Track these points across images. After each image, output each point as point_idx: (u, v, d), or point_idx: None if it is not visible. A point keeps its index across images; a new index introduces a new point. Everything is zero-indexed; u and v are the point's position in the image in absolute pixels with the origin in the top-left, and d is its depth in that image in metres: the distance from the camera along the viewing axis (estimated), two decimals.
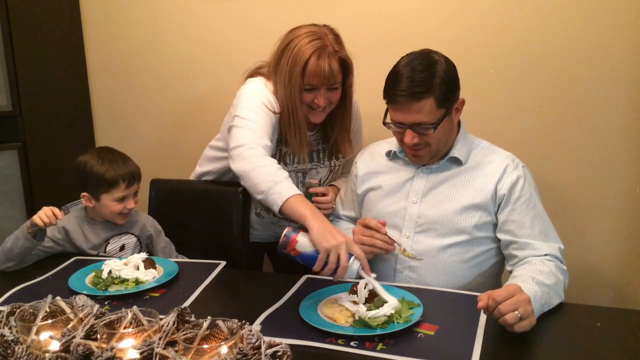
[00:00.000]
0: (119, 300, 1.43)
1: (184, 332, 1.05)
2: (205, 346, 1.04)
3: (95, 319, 1.12)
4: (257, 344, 1.00)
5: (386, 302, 1.25)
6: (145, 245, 1.85)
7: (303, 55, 1.61)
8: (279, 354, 1.00)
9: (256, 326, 1.05)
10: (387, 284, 1.46)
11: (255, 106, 1.66)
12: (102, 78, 2.62)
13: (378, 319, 1.22)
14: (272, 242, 1.95)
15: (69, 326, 1.11)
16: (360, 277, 1.31)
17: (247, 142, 1.58)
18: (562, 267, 1.42)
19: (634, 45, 1.87)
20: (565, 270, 1.42)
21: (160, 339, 1.03)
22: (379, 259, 1.57)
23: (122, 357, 1.02)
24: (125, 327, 1.09)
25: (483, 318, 1.24)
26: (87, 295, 1.26)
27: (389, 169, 1.64)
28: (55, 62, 2.46)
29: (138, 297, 1.45)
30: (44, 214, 1.62)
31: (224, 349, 1.02)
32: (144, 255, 1.60)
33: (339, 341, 1.19)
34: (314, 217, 1.34)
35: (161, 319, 1.11)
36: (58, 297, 1.20)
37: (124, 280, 1.51)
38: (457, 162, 1.55)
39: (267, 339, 1.03)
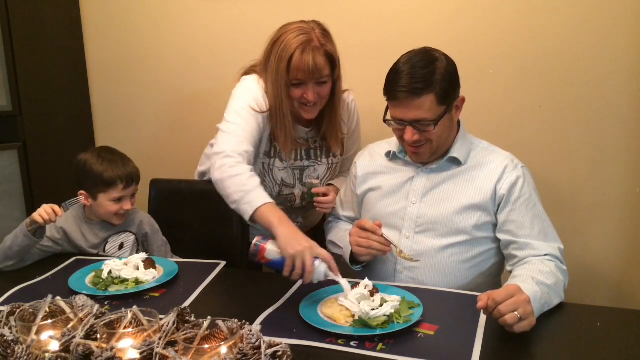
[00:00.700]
0: (119, 300, 1.43)
1: (184, 332, 1.05)
2: (205, 346, 1.04)
3: (95, 319, 1.12)
4: (257, 344, 1.00)
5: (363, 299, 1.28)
6: (141, 242, 1.85)
7: (288, 50, 1.62)
8: (279, 354, 1.00)
9: (256, 326, 1.05)
10: (387, 284, 1.47)
11: (241, 108, 1.68)
12: (102, 78, 2.62)
13: (378, 319, 1.22)
14: None
15: (69, 326, 1.11)
16: (330, 278, 1.34)
17: (224, 149, 1.60)
18: (562, 267, 1.42)
19: (634, 45, 1.87)
20: (565, 270, 1.42)
21: (160, 339, 1.03)
22: (379, 260, 1.57)
23: (122, 357, 1.02)
24: (125, 327, 1.09)
25: (483, 318, 1.25)
26: (87, 295, 1.26)
27: (389, 170, 1.64)
28: (55, 62, 2.46)
29: (138, 297, 1.45)
30: (44, 211, 1.62)
31: (224, 349, 1.02)
32: (144, 255, 1.60)
33: (339, 341, 1.19)
34: (281, 225, 1.37)
35: (161, 319, 1.11)
36: (58, 297, 1.20)
37: (124, 280, 1.51)
38: (456, 162, 1.55)
39: (267, 339, 1.03)
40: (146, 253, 1.68)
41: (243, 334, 1.03)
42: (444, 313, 1.31)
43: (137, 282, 1.51)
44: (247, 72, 1.80)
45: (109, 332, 1.07)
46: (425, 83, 1.41)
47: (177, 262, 1.66)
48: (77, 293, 1.36)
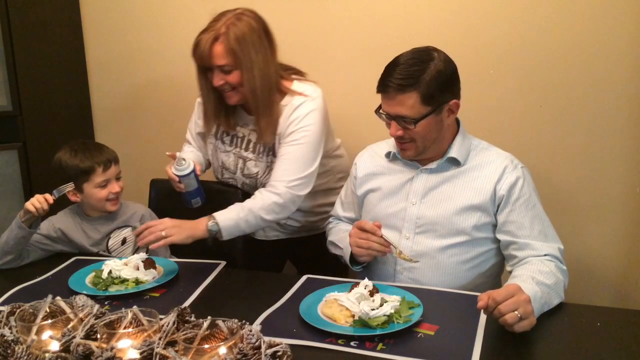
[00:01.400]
0: (119, 300, 1.43)
1: (184, 332, 1.06)
2: (205, 346, 1.04)
3: (95, 319, 1.12)
4: (257, 344, 1.00)
5: None
6: None
7: (197, 36, 1.66)
8: (279, 354, 1.00)
9: (256, 326, 1.05)
10: (387, 284, 1.47)
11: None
12: (102, 78, 2.62)
13: (378, 319, 1.22)
14: (280, 239, 1.97)
15: (69, 326, 1.12)
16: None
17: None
18: (562, 267, 1.42)
19: (634, 45, 1.86)
20: (565, 270, 1.42)
21: (160, 339, 1.03)
22: (379, 260, 1.57)
23: (122, 357, 1.02)
24: (125, 327, 1.09)
25: (483, 318, 1.25)
26: (87, 295, 1.26)
27: (389, 170, 1.63)
28: (55, 62, 2.45)
29: (138, 297, 1.45)
30: (36, 200, 1.64)
31: (224, 349, 1.02)
32: (144, 255, 1.61)
33: (339, 341, 1.19)
34: None
35: (161, 319, 1.11)
36: (58, 297, 1.20)
37: (124, 280, 1.51)
38: (455, 162, 1.55)
39: (267, 339, 1.03)
40: (147, 251, 1.68)
41: (243, 334, 1.03)
42: (444, 313, 1.31)
43: (137, 282, 1.51)
44: None
45: (109, 332, 1.07)
46: (411, 80, 1.41)
47: (177, 262, 1.66)
48: (77, 293, 1.36)
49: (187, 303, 1.40)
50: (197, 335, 1.06)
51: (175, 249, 1.90)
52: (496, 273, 1.59)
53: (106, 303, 1.41)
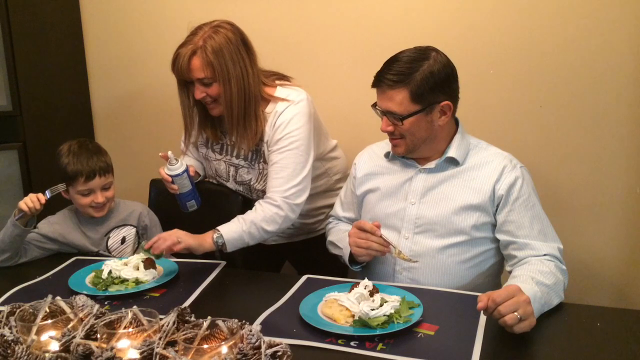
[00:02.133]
0: (119, 300, 1.43)
1: (184, 332, 1.06)
2: (205, 346, 1.04)
3: (95, 319, 1.12)
4: (257, 344, 1.00)
5: None
6: (141, 235, 1.85)
7: (176, 49, 1.68)
8: (279, 354, 1.00)
9: (256, 326, 1.05)
10: (387, 284, 1.47)
11: None
12: (102, 78, 2.62)
13: (378, 319, 1.22)
14: (279, 243, 1.98)
15: (69, 326, 1.11)
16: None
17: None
18: (562, 267, 1.42)
19: (634, 45, 1.86)
20: (564, 270, 1.42)
21: (160, 339, 1.03)
22: (378, 260, 1.57)
23: (122, 357, 1.02)
24: (125, 327, 1.09)
25: (483, 318, 1.25)
26: (87, 295, 1.26)
27: (388, 170, 1.64)
28: (55, 62, 2.45)
29: (138, 297, 1.45)
30: (29, 199, 1.65)
31: (224, 349, 1.02)
32: (143, 255, 1.60)
33: (339, 341, 1.19)
34: None
35: (161, 319, 1.11)
36: (58, 297, 1.20)
37: (124, 280, 1.51)
38: (454, 162, 1.55)
39: (267, 339, 1.03)
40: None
41: (243, 334, 1.03)
42: (444, 313, 1.31)
43: (137, 282, 1.51)
44: None
45: (109, 332, 1.07)
46: (401, 77, 1.43)
47: (177, 262, 1.66)
48: (77, 293, 1.36)
49: (187, 303, 1.40)
50: (197, 335, 1.06)
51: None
52: (496, 273, 1.59)
53: (106, 303, 1.41)
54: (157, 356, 1.00)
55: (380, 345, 1.17)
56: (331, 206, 1.85)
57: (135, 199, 1.96)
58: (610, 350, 1.15)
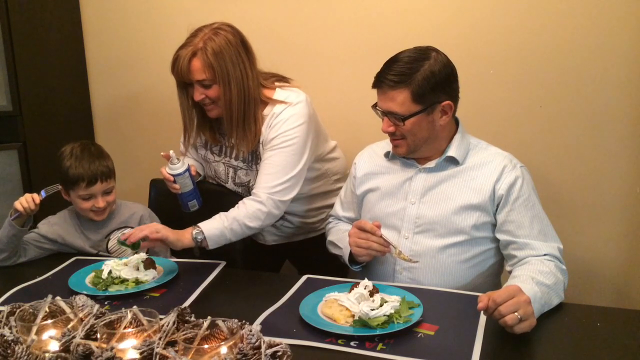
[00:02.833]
0: (119, 300, 1.43)
1: (184, 332, 1.06)
2: (205, 346, 1.04)
3: (95, 319, 1.12)
4: (257, 344, 1.00)
5: None
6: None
7: (175, 51, 1.68)
8: (279, 354, 1.00)
9: (256, 326, 1.05)
10: (387, 284, 1.47)
11: None
12: (102, 78, 2.62)
13: (378, 319, 1.22)
14: (279, 243, 1.98)
15: (69, 326, 1.12)
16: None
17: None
18: (562, 266, 1.42)
19: (635, 45, 1.86)
20: (564, 270, 1.42)
21: (160, 339, 1.03)
22: (378, 260, 1.57)
23: (122, 357, 1.02)
24: (125, 327, 1.09)
25: (483, 318, 1.25)
26: (87, 295, 1.26)
27: (388, 170, 1.64)
28: (55, 62, 2.45)
29: (138, 297, 1.45)
30: (24, 199, 1.65)
31: (224, 349, 1.02)
32: (144, 255, 1.60)
33: (339, 341, 1.19)
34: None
35: (161, 319, 1.11)
36: (58, 297, 1.20)
37: (124, 280, 1.51)
38: (454, 162, 1.55)
39: (267, 339, 1.03)
40: (147, 251, 1.68)
41: (243, 334, 1.03)
42: (444, 313, 1.31)
43: (137, 282, 1.51)
44: None
45: (109, 332, 1.07)
46: (403, 77, 1.43)
47: (177, 262, 1.66)
48: (77, 293, 1.36)
49: (187, 303, 1.40)
50: (197, 335, 1.06)
51: (175, 250, 1.90)
52: (495, 273, 1.59)
53: (106, 303, 1.41)
54: (157, 356, 1.00)
55: (380, 345, 1.17)
56: (331, 206, 1.85)
57: (135, 199, 1.96)
58: (610, 350, 1.15)
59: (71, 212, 1.85)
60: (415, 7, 2.07)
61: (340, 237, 1.66)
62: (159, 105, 2.55)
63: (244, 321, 1.08)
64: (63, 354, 1.04)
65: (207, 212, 1.82)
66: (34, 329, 1.11)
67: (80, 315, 1.15)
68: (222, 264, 1.67)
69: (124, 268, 1.54)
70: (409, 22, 2.09)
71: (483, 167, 1.53)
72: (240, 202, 1.73)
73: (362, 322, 1.23)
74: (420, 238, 1.53)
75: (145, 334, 1.08)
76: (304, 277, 1.55)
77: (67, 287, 1.50)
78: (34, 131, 2.35)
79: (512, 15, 1.97)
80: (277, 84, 1.79)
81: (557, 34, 1.93)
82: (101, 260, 1.66)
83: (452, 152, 1.53)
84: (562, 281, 1.38)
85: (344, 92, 2.20)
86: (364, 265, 1.59)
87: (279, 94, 1.75)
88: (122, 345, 1.05)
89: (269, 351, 1.00)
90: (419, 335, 1.20)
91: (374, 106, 1.52)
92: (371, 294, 1.31)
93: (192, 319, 1.12)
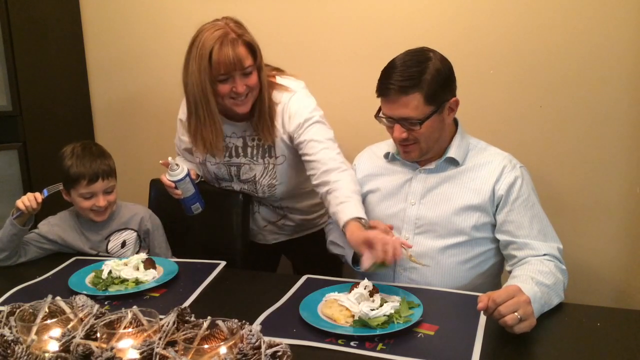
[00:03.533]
0: (119, 300, 1.43)
1: (184, 332, 1.06)
2: (205, 346, 1.04)
3: (95, 319, 1.12)
4: (257, 344, 1.00)
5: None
6: (143, 239, 1.85)
7: (207, 47, 1.61)
8: (279, 354, 1.00)
9: (256, 326, 1.05)
10: (387, 284, 1.47)
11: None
12: (102, 78, 2.62)
13: (378, 319, 1.22)
14: (280, 242, 1.98)
15: (69, 326, 1.11)
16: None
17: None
18: (562, 266, 1.42)
19: (635, 45, 1.86)
20: (564, 270, 1.42)
21: (160, 339, 1.03)
22: None
23: (122, 357, 1.02)
24: (125, 327, 1.09)
25: (483, 318, 1.24)
26: (87, 295, 1.26)
27: (387, 171, 1.63)
28: (55, 62, 2.45)
29: (138, 297, 1.45)
30: (26, 198, 1.65)
31: (223, 349, 1.02)
32: (144, 255, 1.61)
33: (339, 341, 1.19)
34: None
35: (161, 319, 1.11)
36: (58, 297, 1.20)
37: (124, 280, 1.51)
38: (454, 162, 1.55)
39: (267, 339, 1.03)
40: (147, 251, 1.68)
41: (243, 334, 1.03)
42: (444, 313, 1.31)
43: (137, 282, 1.51)
44: None
45: (109, 332, 1.07)
46: (413, 81, 1.42)
47: (177, 262, 1.66)
48: (77, 293, 1.36)
49: (187, 303, 1.40)
50: (197, 335, 1.06)
51: (176, 249, 1.90)
52: (496, 273, 1.59)
53: (106, 303, 1.41)
54: (157, 356, 1.00)
55: (380, 345, 1.17)
56: None
57: (135, 200, 1.96)
58: (610, 350, 1.15)
59: (71, 213, 1.85)
60: (415, 7, 2.07)
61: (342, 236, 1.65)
62: (159, 105, 2.55)
63: (244, 321, 1.08)
64: (63, 354, 1.04)
65: (206, 212, 1.82)
66: (34, 329, 1.11)
67: (80, 315, 1.15)
68: (222, 264, 1.67)
69: (124, 268, 1.54)
70: (409, 22, 2.09)
71: (483, 168, 1.53)
72: (333, 183, 1.62)
73: (362, 322, 1.23)
74: (421, 239, 1.53)
75: (145, 334, 1.08)
76: (304, 277, 1.55)
77: (67, 287, 1.50)
78: (34, 131, 2.35)
79: (512, 15, 1.97)
80: (273, 72, 1.80)
81: (557, 34, 1.93)
82: (101, 260, 1.66)
83: (452, 153, 1.53)
84: (562, 281, 1.38)
85: (344, 93, 2.20)
86: None
87: (279, 80, 1.77)
88: (121, 345, 1.05)
89: (269, 351, 1.00)
90: (419, 336, 1.20)
91: (377, 115, 1.51)
92: (371, 294, 1.31)
93: (192, 319, 1.12)
